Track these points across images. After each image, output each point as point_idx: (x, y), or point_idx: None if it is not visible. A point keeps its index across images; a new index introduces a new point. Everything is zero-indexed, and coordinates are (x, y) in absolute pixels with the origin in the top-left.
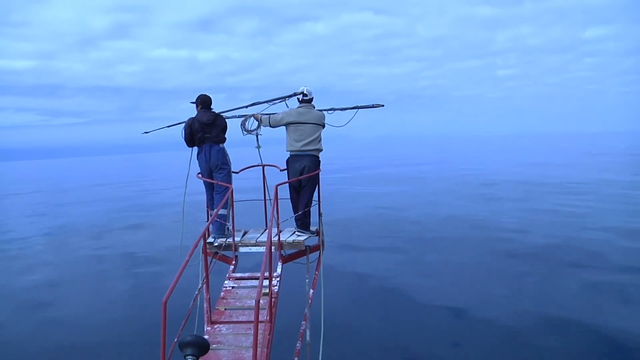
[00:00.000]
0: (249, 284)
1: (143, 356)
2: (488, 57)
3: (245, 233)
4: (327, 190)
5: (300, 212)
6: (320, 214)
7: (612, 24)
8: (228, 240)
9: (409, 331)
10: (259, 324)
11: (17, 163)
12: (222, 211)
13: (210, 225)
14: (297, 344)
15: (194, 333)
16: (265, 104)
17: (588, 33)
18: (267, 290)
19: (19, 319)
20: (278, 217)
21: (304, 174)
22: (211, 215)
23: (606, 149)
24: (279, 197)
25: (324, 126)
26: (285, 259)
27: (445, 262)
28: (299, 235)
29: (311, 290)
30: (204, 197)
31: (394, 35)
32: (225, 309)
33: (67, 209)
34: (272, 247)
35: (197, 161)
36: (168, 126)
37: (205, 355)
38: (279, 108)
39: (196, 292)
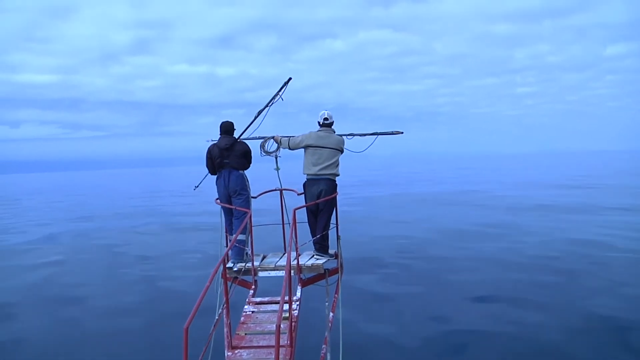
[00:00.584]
0: (269, 309)
1: None
2: (506, 75)
3: (264, 257)
4: (345, 209)
5: (318, 236)
6: (338, 237)
7: (634, 41)
8: (247, 264)
9: (432, 354)
10: (280, 349)
11: (40, 175)
12: (240, 236)
13: (230, 251)
14: None
15: (215, 358)
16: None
17: (609, 50)
18: (287, 314)
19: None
20: (297, 241)
21: (320, 198)
22: (230, 240)
23: (634, 168)
24: (297, 221)
25: (342, 151)
26: (305, 283)
27: (466, 283)
28: (317, 259)
29: (331, 314)
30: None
31: (411, 52)
32: (245, 334)
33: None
34: (291, 271)
35: (215, 186)
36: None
37: None
38: (289, 118)
39: (216, 317)
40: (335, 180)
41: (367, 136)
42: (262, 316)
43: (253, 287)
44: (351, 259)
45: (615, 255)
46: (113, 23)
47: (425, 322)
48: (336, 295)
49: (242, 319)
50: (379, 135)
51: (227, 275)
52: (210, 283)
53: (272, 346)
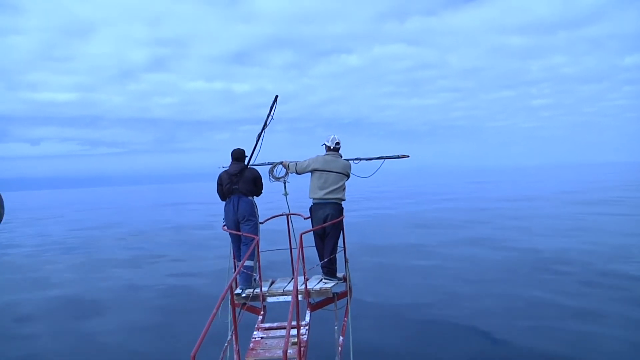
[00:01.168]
0: (278, 334)
1: None
2: (522, 87)
3: (272, 283)
4: (353, 228)
5: (325, 260)
6: (346, 260)
7: None
8: (256, 290)
9: None
10: None
11: (61, 191)
12: (248, 262)
13: (238, 277)
14: None
15: None
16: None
17: (626, 60)
18: (296, 340)
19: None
20: (304, 266)
21: (327, 222)
22: (238, 266)
23: None
24: (304, 246)
25: (348, 176)
26: (314, 307)
27: (484, 300)
28: (325, 283)
29: (341, 338)
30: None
31: (426, 66)
32: None
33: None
34: (300, 296)
35: (224, 212)
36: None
37: None
38: (305, 134)
39: (225, 344)
40: (341, 205)
41: (373, 160)
42: (272, 342)
43: (262, 312)
44: (360, 278)
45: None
46: (130, 41)
47: (439, 343)
48: (345, 318)
49: (251, 345)
50: (385, 160)
51: (236, 302)
52: (217, 310)
53: None
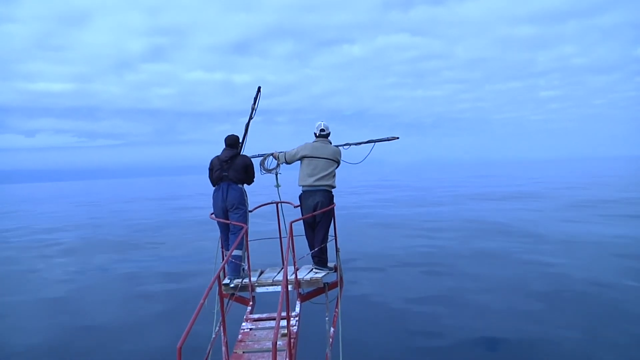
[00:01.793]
0: (267, 325)
1: None
2: (530, 79)
3: (261, 273)
4: (345, 219)
5: (316, 249)
6: (337, 250)
7: None
8: (244, 280)
9: None
10: None
11: (57, 184)
12: (236, 252)
13: (226, 267)
14: None
15: None
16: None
17: (639, 50)
18: (286, 331)
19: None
20: (294, 255)
21: (317, 210)
22: (226, 255)
23: None
24: (294, 235)
25: (338, 163)
26: (304, 298)
27: (479, 294)
28: (316, 272)
29: (332, 329)
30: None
31: (431, 57)
32: (243, 352)
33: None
34: (289, 286)
35: (212, 199)
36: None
37: None
38: (308, 125)
39: (213, 336)
40: (331, 192)
41: (363, 145)
42: (261, 333)
43: (251, 303)
44: (352, 268)
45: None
46: (128, 30)
47: (431, 337)
48: (336, 309)
49: (239, 336)
50: (376, 143)
51: (224, 292)
52: (205, 300)
53: None
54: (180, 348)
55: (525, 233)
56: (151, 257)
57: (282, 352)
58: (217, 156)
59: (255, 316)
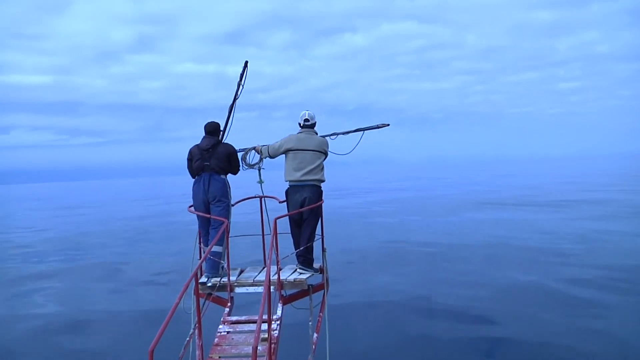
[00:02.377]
0: (246, 329)
1: None
2: (548, 69)
3: (241, 272)
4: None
5: (302, 248)
6: (324, 250)
7: None
8: (223, 280)
9: None
10: None
11: (34, 185)
12: (216, 248)
13: (204, 264)
14: None
15: None
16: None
17: None
18: (266, 335)
19: None
20: (277, 254)
21: (305, 206)
22: (204, 252)
23: None
24: (278, 232)
25: (326, 154)
26: (286, 300)
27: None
28: (301, 273)
29: (315, 334)
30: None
31: (440, 46)
32: (219, 357)
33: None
34: (272, 287)
35: (192, 191)
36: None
37: None
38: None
39: (187, 338)
40: (320, 187)
41: (351, 134)
42: (238, 337)
43: (229, 304)
44: (339, 269)
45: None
46: (111, 18)
47: (421, 340)
48: (321, 313)
49: (216, 340)
50: (365, 131)
51: (200, 292)
52: (180, 300)
53: None
54: (152, 352)
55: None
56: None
57: (262, 358)
58: (197, 145)
59: (234, 318)
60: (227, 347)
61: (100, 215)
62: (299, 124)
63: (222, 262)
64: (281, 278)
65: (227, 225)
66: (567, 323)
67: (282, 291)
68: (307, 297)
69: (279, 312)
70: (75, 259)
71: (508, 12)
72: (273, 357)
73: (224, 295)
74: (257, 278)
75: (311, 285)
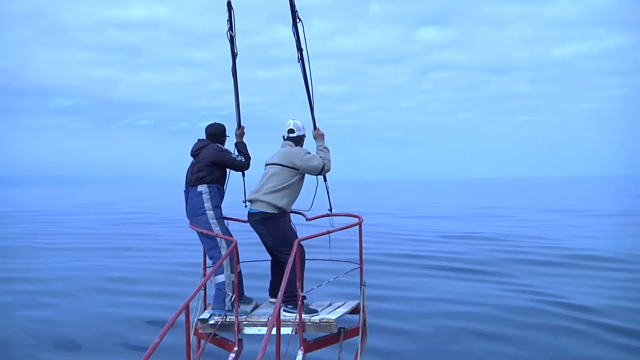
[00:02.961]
0: None
1: None
2: None
3: (256, 307)
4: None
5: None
6: (362, 283)
7: None
8: (229, 317)
9: None
10: None
11: None
12: (218, 277)
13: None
14: None
15: None
16: None
17: None
18: None
19: None
20: (300, 285)
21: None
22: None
23: None
24: (306, 258)
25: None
26: (309, 347)
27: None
28: (330, 312)
29: None
30: None
31: None
32: None
33: None
34: (289, 329)
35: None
36: None
37: None
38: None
39: None
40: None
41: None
42: None
43: (235, 349)
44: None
45: None
46: None
47: None
48: None
49: None
50: None
51: (200, 331)
52: (161, 339)
53: None
54: None
55: None
56: None
57: None
58: None
59: None
60: None
61: None
62: (283, 136)
63: (228, 293)
64: (303, 317)
65: (234, 245)
66: None
67: (303, 334)
68: (337, 344)
69: None
70: None
71: None
72: None
73: (230, 336)
74: None
75: (343, 328)
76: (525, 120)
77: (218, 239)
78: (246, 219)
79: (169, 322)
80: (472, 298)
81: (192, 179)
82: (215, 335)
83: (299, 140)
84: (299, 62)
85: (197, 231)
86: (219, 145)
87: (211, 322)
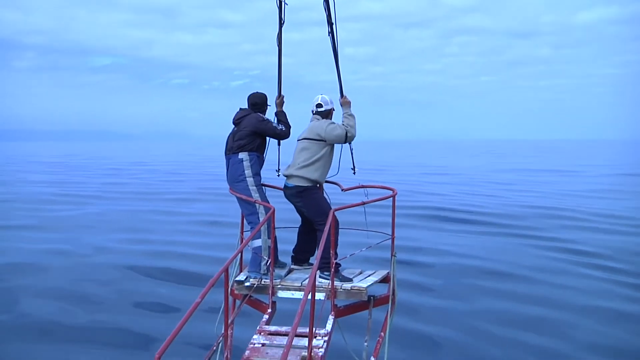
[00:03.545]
0: (285, 342)
1: None
2: None
3: (290, 271)
4: None
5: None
6: (393, 254)
7: None
8: (264, 280)
9: None
10: None
11: None
12: (255, 242)
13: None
14: None
15: None
16: None
17: None
18: (306, 353)
19: None
20: (333, 253)
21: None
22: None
23: None
24: (340, 227)
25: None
26: (340, 312)
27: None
28: (361, 280)
29: (372, 359)
30: None
31: None
32: None
33: None
34: (322, 294)
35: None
36: None
37: None
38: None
39: (213, 346)
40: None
41: None
42: (274, 352)
43: (269, 310)
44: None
45: None
46: None
47: None
48: (382, 333)
49: (246, 353)
50: None
51: (236, 292)
52: (202, 299)
53: None
54: (159, 358)
55: None
56: None
57: None
58: None
59: (272, 328)
60: None
61: None
62: (312, 110)
63: (264, 257)
64: (335, 284)
65: (272, 211)
66: None
67: (334, 300)
68: (367, 311)
69: (328, 327)
70: None
71: None
72: None
73: (265, 298)
74: (307, 281)
75: (372, 296)
76: (547, 84)
77: (257, 204)
78: (282, 186)
79: (209, 282)
80: None
81: (234, 146)
82: (250, 297)
83: (327, 114)
84: (329, 35)
85: (236, 196)
86: (260, 114)
87: (247, 284)
